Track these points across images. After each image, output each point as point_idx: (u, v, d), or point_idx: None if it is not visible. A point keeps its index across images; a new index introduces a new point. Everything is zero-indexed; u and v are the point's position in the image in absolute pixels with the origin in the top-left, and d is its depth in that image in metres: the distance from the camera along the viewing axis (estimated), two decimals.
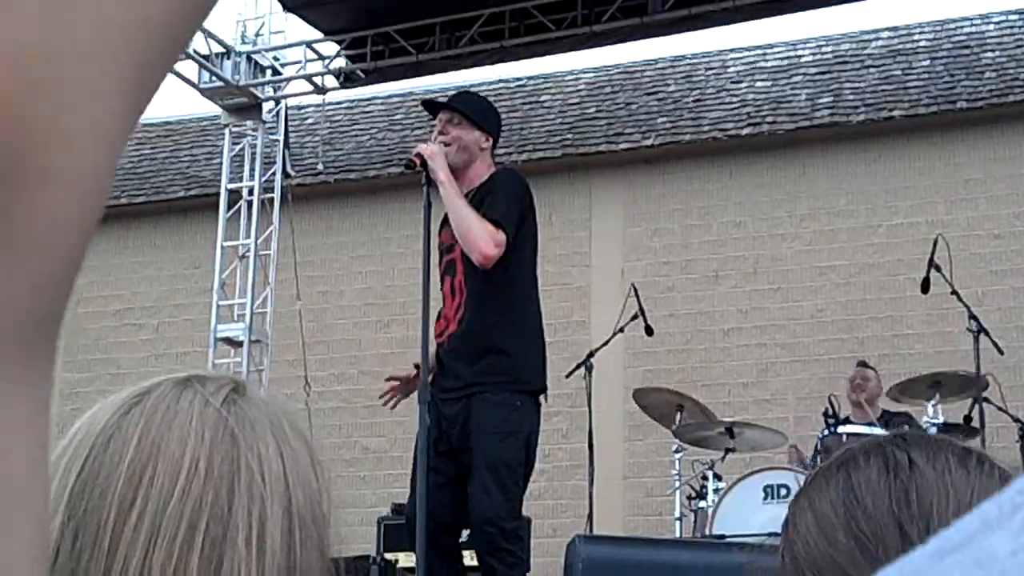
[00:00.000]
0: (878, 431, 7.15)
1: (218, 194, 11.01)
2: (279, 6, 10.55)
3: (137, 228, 13.02)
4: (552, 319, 11.26)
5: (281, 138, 11.11)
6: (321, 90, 11.31)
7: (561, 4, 10.09)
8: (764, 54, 13.01)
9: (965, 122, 11.30)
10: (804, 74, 12.48)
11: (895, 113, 11.49)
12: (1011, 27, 12.30)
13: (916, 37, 12.59)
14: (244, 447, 1.11)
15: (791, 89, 12.29)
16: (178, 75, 10.17)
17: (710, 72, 12.99)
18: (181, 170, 13.51)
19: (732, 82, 12.72)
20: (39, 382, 0.40)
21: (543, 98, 13.33)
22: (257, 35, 10.98)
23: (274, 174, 10.98)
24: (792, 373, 11.11)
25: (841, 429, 7.26)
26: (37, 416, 0.41)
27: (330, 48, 11.07)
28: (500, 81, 13.31)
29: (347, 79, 11.26)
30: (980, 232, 10.91)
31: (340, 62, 11.07)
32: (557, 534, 9.54)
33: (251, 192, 10.93)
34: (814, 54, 12.79)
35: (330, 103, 12.47)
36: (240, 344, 10.30)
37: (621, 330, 8.17)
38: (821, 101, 11.96)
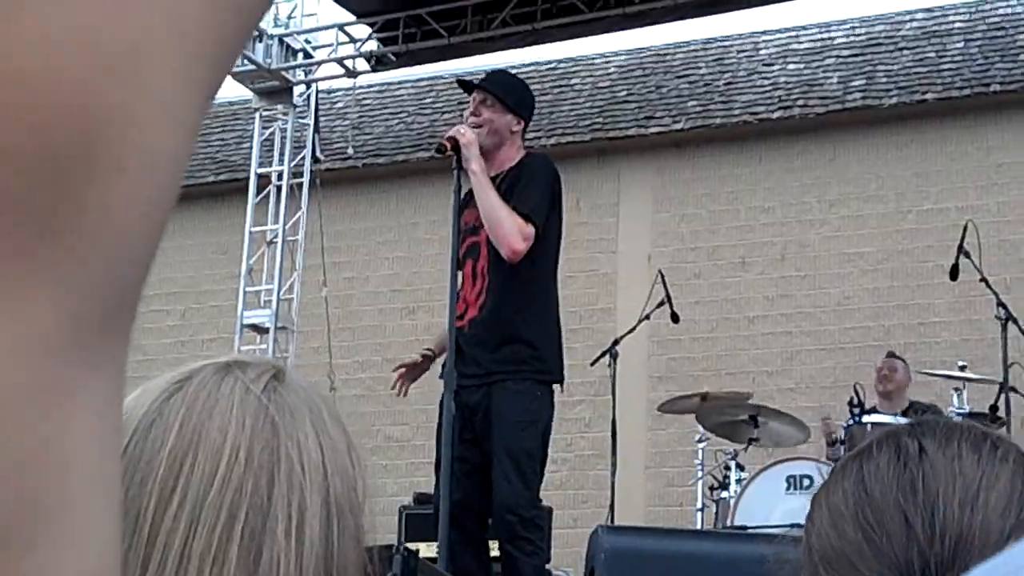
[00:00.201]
0: (904, 421, 7.11)
1: (247, 179, 11.04)
2: None
3: None
4: (577, 305, 11.38)
5: (311, 122, 11.14)
6: (352, 73, 11.31)
7: None
8: (796, 36, 12.91)
9: (999, 105, 11.18)
10: (837, 56, 12.38)
11: (928, 96, 11.39)
12: None
13: (951, 19, 12.45)
14: (284, 436, 1.11)
15: (823, 72, 12.20)
16: None
17: (742, 55, 12.90)
18: (211, 154, 13.55)
19: (764, 65, 12.63)
20: (118, 368, 0.41)
21: (573, 81, 13.28)
22: (289, 17, 11.01)
23: (303, 159, 11.00)
24: (818, 361, 11.05)
25: (866, 419, 7.21)
26: (115, 403, 0.42)
27: (361, 31, 11.07)
28: (530, 64, 13.27)
29: (378, 62, 11.25)
30: (1010, 218, 10.81)
31: (371, 45, 11.07)
32: (578, 524, 9.54)
33: (280, 177, 10.96)
34: (847, 36, 12.68)
35: (360, 87, 12.48)
36: (266, 331, 10.34)
37: (647, 317, 8.13)
38: (853, 84, 11.86)
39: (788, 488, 6.89)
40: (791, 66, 12.48)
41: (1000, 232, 10.39)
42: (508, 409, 5.10)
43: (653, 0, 9.93)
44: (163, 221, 0.41)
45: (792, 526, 6.44)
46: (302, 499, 1.09)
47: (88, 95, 0.37)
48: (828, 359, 11.01)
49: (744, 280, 11.51)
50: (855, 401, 7.32)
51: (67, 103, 0.37)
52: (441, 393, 5.10)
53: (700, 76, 12.73)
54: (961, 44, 12.01)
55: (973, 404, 7.34)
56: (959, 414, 7.17)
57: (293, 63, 11.04)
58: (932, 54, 11.98)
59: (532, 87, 5.99)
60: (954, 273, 7.49)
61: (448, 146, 5.19)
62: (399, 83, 13.99)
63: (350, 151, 12.09)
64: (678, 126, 12.03)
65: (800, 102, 11.84)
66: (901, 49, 12.21)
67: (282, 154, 11.03)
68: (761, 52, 12.87)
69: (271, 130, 11.15)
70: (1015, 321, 7.41)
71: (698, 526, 7.49)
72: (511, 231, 5.09)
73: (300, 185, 10.94)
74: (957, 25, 12.33)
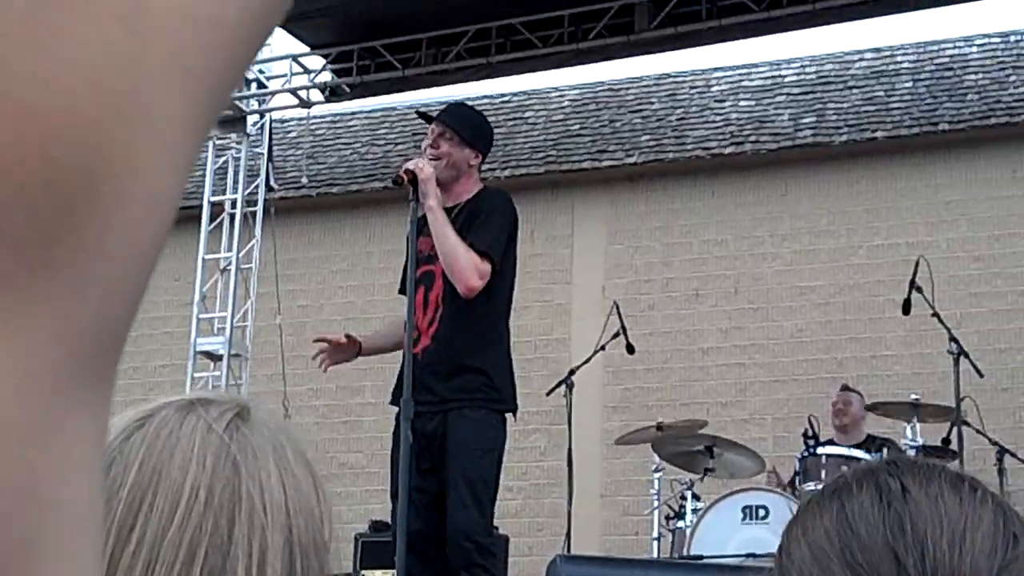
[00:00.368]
0: (859, 453, 7.17)
1: (200, 207, 10.99)
2: None
3: None
4: (532, 336, 11.40)
5: (265, 151, 11.09)
6: (306, 104, 11.30)
7: (548, 21, 10.11)
8: (748, 73, 13.05)
9: (947, 144, 11.34)
10: (787, 94, 12.53)
11: (877, 134, 11.54)
12: (993, 49, 12.36)
13: (899, 59, 12.64)
14: (246, 475, 1.10)
15: (774, 109, 12.33)
16: None
17: (694, 91, 13.02)
18: None
19: (716, 101, 12.76)
20: (103, 406, 0.41)
21: (527, 114, 13.35)
22: None
23: (257, 187, 10.97)
24: (771, 393, 11.12)
25: (820, 450, 7.28)
26: (102, 440, 0.42)
27: (316, 62, 11.07)
28: (484, 97, 13.32)
29: (332, 93, 11.26)
30: (960, 254, 10.95)
31: (326, 76, 11.07)
32: (533, 552, 9.53)
33: (234, 205, 10.92)
34: (798, 74, 12.84)
35: (314, 117, 12.47)
36: (220, 358, 10.26)
37: (602, 348, 8.16)
38: (804, 121, 12.00)
39: (744, 518, 6.91)
40: (743, 103, 12.61)
41: (949, 268, 10.52)
42: (464, 436, 5.10)
43: (607, 36, 10.01)
44: (155, 259, 0.41)
45: (748, 556, 6.47)
46: (263, 538, 1.09)
47: (95, 131, 0.38)
48: (781, 391, 11.08)
49: (698, 312, 11.57)
50: (809, 433, 7.38)
51: (74, 139, 0.37)
52: (395, 420, 5.09)
53: (653, 111, 12.83)
54: (910, 84, 12.19)
55: (926, 437, 7.41)
56: (912, 447, 7.24)
57: (247, 93, 11.01)
58: (881, 93, 12.15)
59: (486, 116, 6.01)
60: (906, 308, 7.56)
61: (405, 179, 5.16)
62: (353, 113, 14.00)
63: (304, 180, 12.07)
64: (631, 160, 12.10)
65: (752, 138, 11.96)
66: (851, 88, 12.37)
67: (236, 182, 10.99)
68: (713, 88, 13.00)
69: (224, 159, 11.11)
70: (967, 356, 7.49)
71: (654, 555, 7.49)
72: (467, 268, 5.11)
73: (254, 213, 10.89)
74: (906, 65, 12.52)
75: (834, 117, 11.95)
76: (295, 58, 11.04)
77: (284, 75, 11.12)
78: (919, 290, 7.57)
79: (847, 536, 1.21)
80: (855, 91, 12.28)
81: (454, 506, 5.03)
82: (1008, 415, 10.19)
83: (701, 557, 6.64)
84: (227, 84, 0.42)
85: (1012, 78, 11.79)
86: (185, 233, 11.83)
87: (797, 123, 11.99)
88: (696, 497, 7.28)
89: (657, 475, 7.68)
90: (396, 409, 5.10)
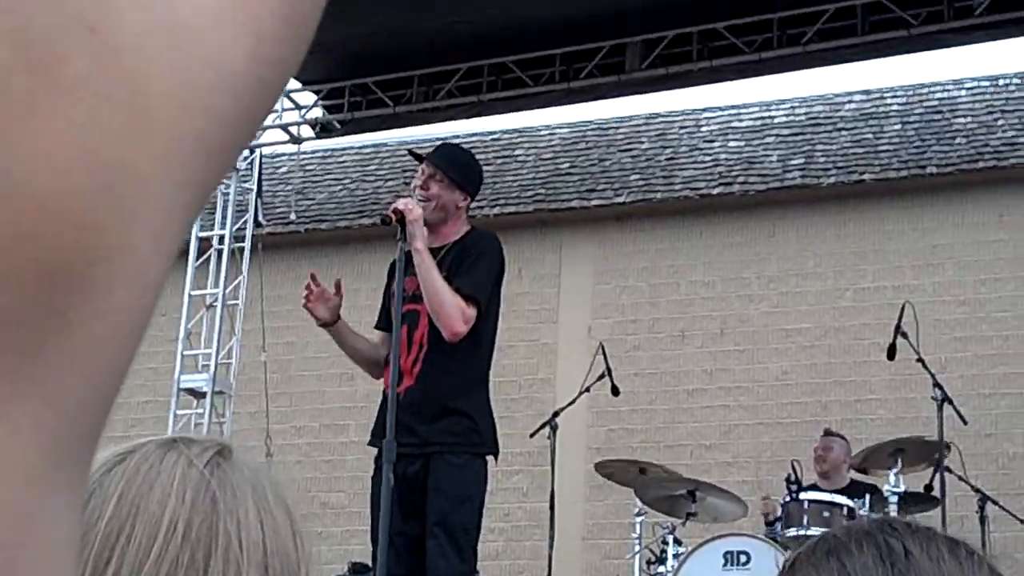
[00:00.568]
0: (841, 500, 7.14)
1: (188, 242, 10.98)
2: None
3: None
4: (518, 375, 11.38)
5: (254, 187, 11.09)
6: (297, 140, 11.32)
7: (539, 60, 10.15)
8: (738, 114, 13.09)
9: (935, 187, 11.37)
10: (777, 135, 12.56)
11: (865, 176, 11.57)
12: (983, 93, 12.41)
13: (888, 101, 12.69)
14: (224, 511, 1.10)
15: (763, 150, 12.37)
16: None
17: (684, 131, 13.05)
18: None
19: (705, 141, 12.79)
20: (83, 483, 0.41)
21: (517, 152, 13.37)
22: None
23: (245, 223, 10.95)
24: (755, 436, 11.10)
25: (803, 496, 7.25)
26: (78, 522, 0.42)
27: (307, 98, 11.09)
28: (474, 134, 13.35)
29: (323, 129, 11.28)
30: (946, 298, 10.96)
31: (317, 112, 11.09)
32: None
33: (221, 241, 10.89)
34: (787, 115, 12.88)
35: (304, 152, 12.48)
36: (203, 395, 10.22)
37: (587, 390, 8.14)
38: (793, 163, 12.03)
39: (725, 564, 6.89)
40: (732, 143, 12.64)
41: (935, 312, 10.53)
42: (447, 482, 5.08)
43: (598, 76, 10.04)
44: (139, 342, 0.41)
45: None
46: (239, 574, 1.08)
47: (90, 215, 0.38)
48: (766, 434, 11.06)
49: (683, 353, 11.56)
50: (792, 478, 7.35)
51: (70, 222, 0.37)
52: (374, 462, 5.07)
53: (642, 151, 12.86)
54: (899, 126, 12.23)
55: (908, 483, 7.39)
56: (895, 493, 7.22)
57: None
58: (870, 135, 12.18)
59: (476, 157, 6.01)
60: (891, 353, 7.56)
61: (393, 218, 5.13)
62: (343, 149, 14.01)
63: (293, 216, 12.06)
64: (620, 199, 12.12)
65: (740, 179, 11.98)
66: (840, 130, 12.41)
67: (224, 218, 10.98)
68: (703, 129, 13.04)
69: (213, 194, 11.06)
70: (951, 402, 7.48)
71: None
72: (453, 314, 5.09)
73: (241, 249, 10.88)
74: (895, 108, 12.56)
75: (823, 159, 11.99)
76: (287, 94, 11.06)
77: (275, 111, 11.13)
78: (904, 335, 7.57)
79: None
80: (844, 133, 12.32)
81: (434, 554, 5.00)
82: (991, 461, 10.18)
83: None
84: (219, 172, 0.43)
85: (1000, 122, 11.83)
86: (171, 268, 11.81)
87: (786, 164, 12.02)
88: (678, 542, 7.25)
89: (639, 519, 7.65)
90: (374, 450, 5.08)
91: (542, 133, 13.57)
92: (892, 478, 7.28)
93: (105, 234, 0.38)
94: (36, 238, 0.37)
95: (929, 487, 7.37)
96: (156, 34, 0.39)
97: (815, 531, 6.43)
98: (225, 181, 10.98)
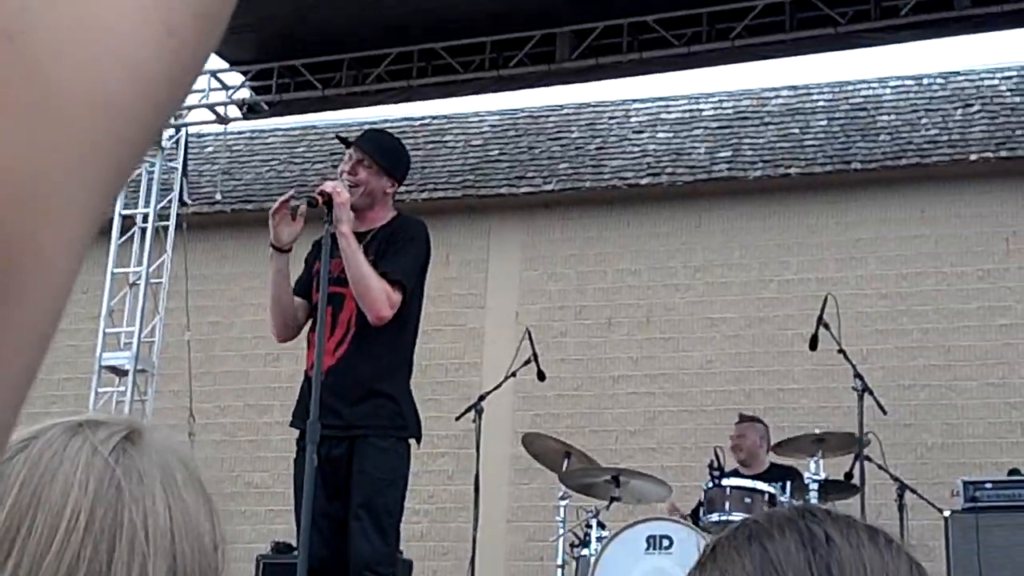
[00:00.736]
0: (762, 485, 7.23)
1: (111, 219, 10.84)
2: None
3: None
4: (444, 359, 11.38)
5: (180, 166, 10.99)
6: (223, 120, 11.21)
7: (470, 47, 10.14)
8: (667, 106, 13.16)
9: (859, 183, 11.51)
10: (705, 128, 12.65)
11: (791, 170, 11.68)
12: (907, 91, 12.58)
13: (815, 97, 12.82)
14: (129, 499, 1.07)
15: (691, 142, 12.45)
16: None
17: (613, 121, 13.11)
18: None
19: (634, 132, 12.85)
20: None
21: (446, 138, 13.35)
22: None
23: (170, 202, 10.85)
24: (679, 423, 11.19)
25: (725, 482, 7.32)
26: None
27: (235, 78, 11.00)
28: (404, 119, 13.31)
29: (250, 110, 11.19)
30: (868, 291, 11.11)
31: (244, 93, 11.00)
32: None
33: (145, 219, 10.79)
34: (715, 108, 12.97)
35: (231, 133, 12.37)
36: (125, 373, 10.12)
37: (513, 374, 8.16)
38: (720, 155, 12.12)
39: (648, 548, 6.93)
40: (660, 134, 12.72)
41: (857, 304, 10.67)
42: (372, 466, 5.08)
43: (528, 64, 10.06)
44: (46, 349, 0.41)
45: None
46: (144, 565, 1.05)
47: (2, 226, 0.37)
48: (689, 420, 11.15)
49: (609, 340, 11.62)
50: (714, 464, 7.42)
51: None
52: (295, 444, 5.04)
53: (572, 139, 12.90)
54: (824, 122, 12.37)
55: (828, 470, 7.49)
56: (815, 480, 7.32)
57: None
58: (796, 130, 12.31)
59: (405, 142, 6.00)
60: (813, 344, 7.67)
61: (320, 200, 5.12)
62: (271, 131, 13.91)
63: (218, 196, 11.96)
64: (549, 187, 12.15)
65: (668, 170, 12.06)
66: (767, 124, 12.52)
67: (148, 196, 10.87)
68: (632, 119, 13.10)
69: (137, 171, 10.96)
70: (871, 392, 7.61)
71: None
72: (379, 298, 5.11)
73: (166, 228, 10.77)
74: (820, 104, 12.70)
75: (749, 152, 12.09)
76: (214, 74, 10.96)
77: (202, 90, 11.03)
78: (826, 326, 7.68)
79: None
80: (770, 127, 12.44)
81: (357, 537, 5.01)
82: (910, 451, 10.35)
83: None
84: (131, 167, 0.42)
85: (924, 120, 12.01)
86: (94, 246, 11.66)
87: (713, 157, 12.11)
88: (601, 525, 7.29)
89: (563, 502, 7.68)
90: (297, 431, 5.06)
91: (472, 119, 13.57)
92: (813, 465, 7.39)
93: (20, 244, 0.37)
94: None
95: (849, 475, 7.48)
96: (69, 34, 0.38)
97: (737, 516, 6.50)
98: (150, 159, 10.87)
